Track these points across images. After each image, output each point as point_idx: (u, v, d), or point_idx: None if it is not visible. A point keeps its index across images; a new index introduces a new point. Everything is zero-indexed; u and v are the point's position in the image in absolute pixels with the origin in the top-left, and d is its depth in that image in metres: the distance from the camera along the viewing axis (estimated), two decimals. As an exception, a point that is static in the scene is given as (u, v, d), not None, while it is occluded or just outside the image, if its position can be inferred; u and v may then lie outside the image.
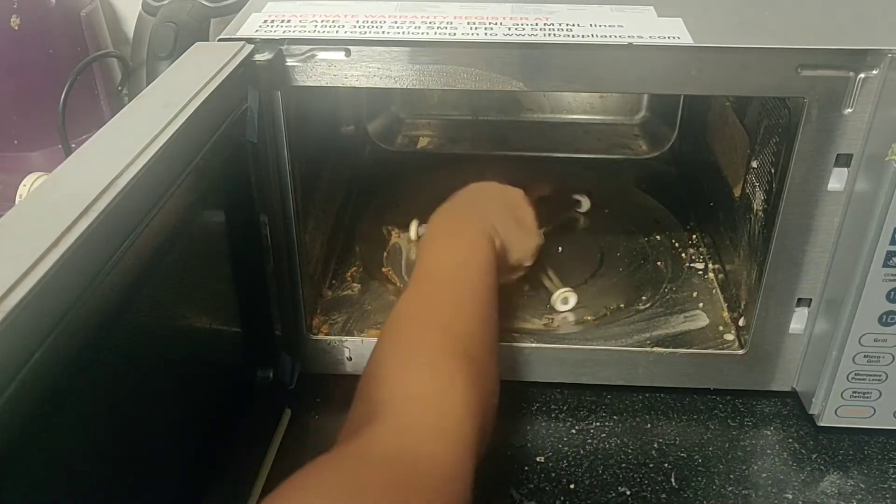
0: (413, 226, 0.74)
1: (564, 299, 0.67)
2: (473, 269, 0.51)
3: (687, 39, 0.50)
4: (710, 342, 0.63)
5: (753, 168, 0.62)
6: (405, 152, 0.93)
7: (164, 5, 0.81)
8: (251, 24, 0.53)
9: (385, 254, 0.74)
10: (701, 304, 0.67)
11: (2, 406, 0.26)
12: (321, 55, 0.51)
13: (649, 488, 0.56)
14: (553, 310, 0.67)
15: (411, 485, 0.35)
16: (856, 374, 0.56)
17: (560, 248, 0.74)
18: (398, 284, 0.70)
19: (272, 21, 0.54)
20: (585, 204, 0.81)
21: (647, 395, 0.63)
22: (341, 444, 0.37)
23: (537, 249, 0.63)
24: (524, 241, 0.61)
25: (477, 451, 0.39)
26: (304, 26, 0.53)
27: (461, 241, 0.54)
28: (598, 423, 0.61)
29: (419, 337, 0.44)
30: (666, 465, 0.57)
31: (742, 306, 0.63)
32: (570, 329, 0.65)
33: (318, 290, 0.68)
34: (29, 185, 0.72)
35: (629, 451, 0.59)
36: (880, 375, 0.56)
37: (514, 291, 0.69)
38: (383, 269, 0.71)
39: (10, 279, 0.28)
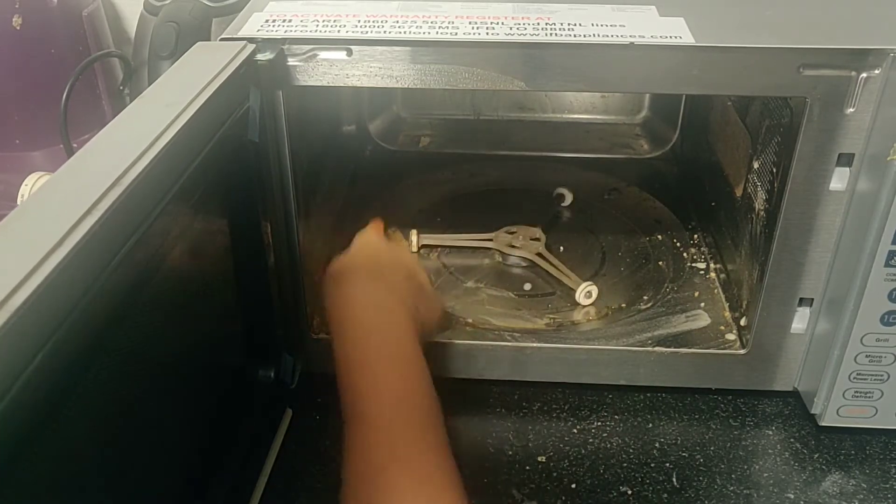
0: (413, 236, 0.74)
1: (588, 293, 0.67)
2: (416, 399, 0.47)
3: (688, 39, 0.50)
4: (711, 342, 0.63)
5: (755, 168, 0.62)
6: (406, 152, 0.93)
7: (165, 5, 0.81)
8: (253, 24, 0.53)
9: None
10: (702, 304, 0.67)
11: (6, 405, 0.27)
12: (323, 55, 0.51)
13: (651, 488, 0.56)
14: (575, 304, 0.68)
15: None
16: (857, 374, 0.56)
17: (562, 248, 0.74)
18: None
19: (274, 21, 0.54)
20: (569, 198, 0.82)
21: (648, 394, 0.63)
22: None
23: (441, 307, 0.60)
24: (432, 307, 0.58)
25: None
26: (306, 26, 0.53)
27: (398, 354, 0.49)
28: (599, 423, 0.61)
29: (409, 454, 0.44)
30: (667, 464, 0.57)
31: (744, 306, 0.63)
32: (571, 329, 0.65)
33: (319, 289, 0.68)
34: (31, 185, 0.72)
35: (630, 450, 0.59)
36: (882, 375, 0.56)
37: (514, 290, 0.69)
38: None
39: (14, 280, 0.28)
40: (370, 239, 0.59)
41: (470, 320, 0.65)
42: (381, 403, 0.47)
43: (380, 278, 0.54)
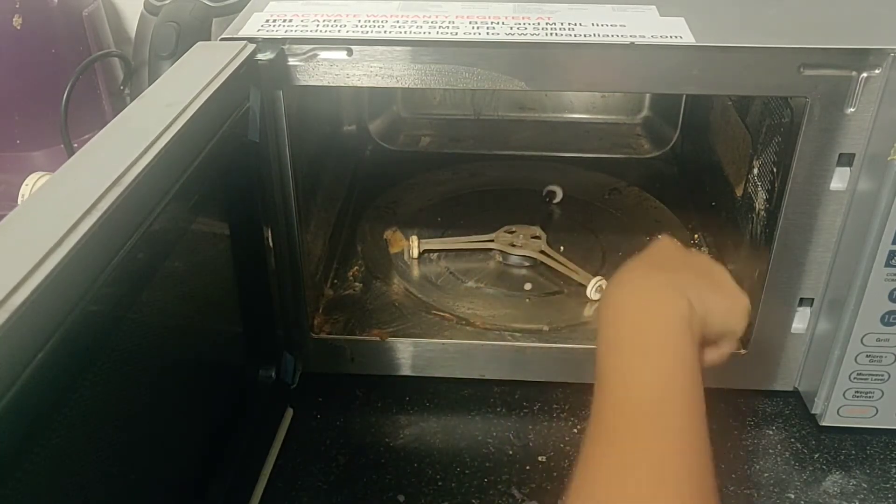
0: (414, 241, 0.74)
1: (599, 288, 0.68)
2: (679, 387, 0.41)
3: (689, 39, 0.50)
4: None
5: (755, 167, 0.62)
6: (407, 151, 0.93)
7: (166, 5, 0.81)
8: (253, 24, 0.53)
9: (391, 259, 0.74)
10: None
11: (6, 405, 0.27)
12: (323, 55, 0.51)
13: (651, 488, 0.55)
14: (583, 301, 0.68)
15: None
16: (858, 374, 0.56)
17: (562, 248, 0.74)
18: (404, 287, 0.70)
19: (274, 20, 0.54)
20: (559, 194, 0.82)
21: (648, 394, 0.63)
22: None
23: (746, 310, 0.50)
24: (729, 306, 0.49)
25: None
26: (306, 26, 0.53)
27: (658, 342, 0.43)
28: (599, 423, 0.61)
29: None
30: (668, 464, 0.57)
31: (744, 306, 0.63)
32: (571, 329, 0.65)
33: (319, 289, 0.68)
34: (31, 184, 0.72)
35: (631, 450, 0.58)
36: (882, 375, 0.56)
37: (514, 289, 0.69)
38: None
39: (14, 279, 0.28)
40: (662, 243, 0.53)
41: (470, 320, 0.65)
42: (628, 392, 0.41)
43: (659, 270, 0.49)
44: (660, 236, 0.54)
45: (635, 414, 0.40)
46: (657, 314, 0.45)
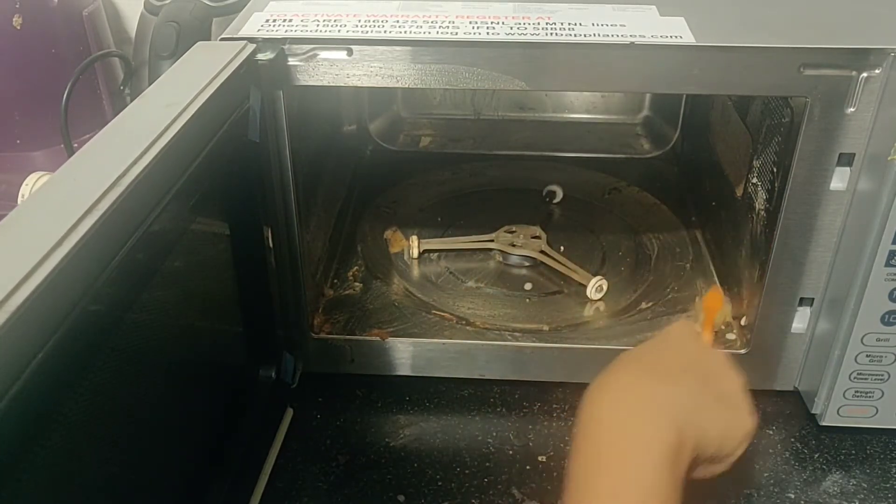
0: (414, 242, 0.74)
1: (599, 287, 0.68)
2: None
3: (689, 39, 0.50)
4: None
5: (756, 167, 0.62)
6: (407, 151, 0.93)
7: (166, 5, 0.81)
8: (253, 24, 0.53)
9: (391, 259, 0.74)
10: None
11: (6, 405, 0.27)
12: (323, 54, 0.51)
13: (651, 488, 0.55)
14: (583, 301, 0.68)
15: None
16: (858, 374, 0.56)
17: (562, 248, 0.74)
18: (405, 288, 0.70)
19: (274, 20, 0.54)
20: (559, 194, 0.82)
21: (649, 394, 0.63)
22: None
23: (748, 433, 0.45)
24: (731, 424, 0.44)
25: None
26: (306, 26, 0.53)
27: (634, 477, 0.39)
28: (600, 423, 0.61)
29: None
30: (668, 464, 0.57)
31: (744, 306, 0.63)
32: (571, 329, 0.65)
33: (319, 289, 0.68)
34: (31, 184, 0.72)
35: (631, 450, 0.58)
36: (882, 375, 0.56)
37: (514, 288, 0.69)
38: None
39: (14, 279, 0.28)
40: (671, 334, 0.47)
41: (470, 320, 0.65)
42: None
43: (654, 376, 0.43)
44: (675, 322, 0.48)
45: None
46: (638, 441, 0.40)
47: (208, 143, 0.44)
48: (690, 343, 0.46)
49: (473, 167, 0.89)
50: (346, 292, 0.69)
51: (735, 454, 0.45)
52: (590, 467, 0.40)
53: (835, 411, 0.58)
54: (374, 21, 0.53)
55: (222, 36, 0.52)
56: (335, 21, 0.53)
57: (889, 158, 0.49)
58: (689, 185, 0.85)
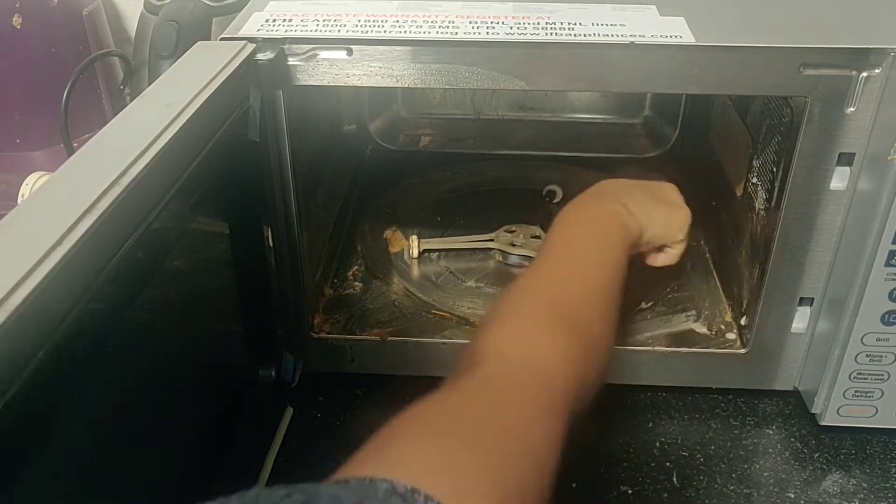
0: (414, 241, 0.74)
1: None
2: (595, 244, 0.50)
3: (689, 38, 0.50)
4: (712, 341, 0.63)
5: (755, 167, 0.62)
6: (407, 151, 0.93)
7: (165, 4, 0.81)
8: (253, 24, 0.53)
9: (391, 259, 0.74)
10: (703, 304, 0.67)
11: (6, 405, 0.27)
12: (323, 54, 0.51)
13: (651, 487, 0.56)
14: None
15: (497, 425, 0.35)
16: (858, 374, 0.56)
17: (562, 248, 0.74)
18: (406, 288, 0.70)
19: (274, 20, 0.54)
20: (559, 194, 0.82)
21: (648, 393, 0.63)
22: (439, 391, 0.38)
23: (687, 222, 0.60)
24: (670, 216, 0.58)
25: (572, 402, 0.40)
26: (306, 25, 0.53)
27: (586, 221, 0.53)
28: (599, 422, 0.61)
29: (524, 301, 0.45)
30: (668, 463, 0.57)
31: (744, 305, 0.63)
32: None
33: (319, 288, 0.68)
34: (31, 184, 0.72)
35: (631, 449, 0.59)
36: (882, 375, 0.56)
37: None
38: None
39: (13, 279, 0.28)
40: (610, 181, 0.59)
41: (470, 319, 0.65)
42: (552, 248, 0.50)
43: (604, 194, 0.56)
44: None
45: (552, 257, 0.49)
46: (593, 206, 0.54)
47: (208, 143, 0.44)
48: (630, 180, 0.59)
49: (473, 167, 0.89)
50: (346, 292, 0.69)
51: (679, 238, 0.59)
52: (554, 231, 0.52)
53: (835, 411, 0.58)
54: (374, 21, 0.53)
55: (222, 36, 0.52)
56: (335, 21, 0.53)
57: (889, 158, 0.49)
58: (688, 185, 0.85)
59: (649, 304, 0.67)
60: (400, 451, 0.32)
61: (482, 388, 0.38)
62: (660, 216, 0.57)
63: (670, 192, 0.60)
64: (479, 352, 0.41)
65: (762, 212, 0.60)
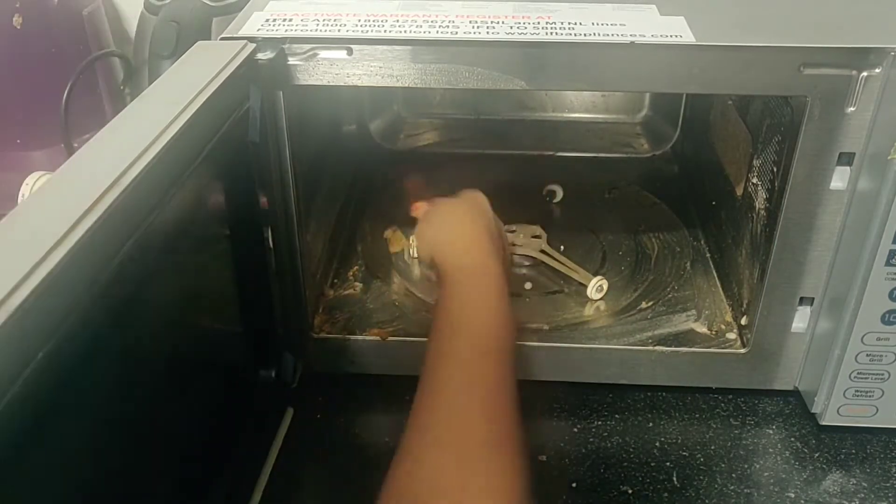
0: (414, 242, 0.73)
1: (600, 287, 0.68)
2: (508, 335, 0.50)
3: (689, 38, 0.50)
4: (712, 341, 0.63)
5: (756, 166, 0.62)
6: (407, 151, 0.93)
7: (166, 4, 0.81)
8: (253, 23, 0.53)
9: (391, 259, 0.73)
10: (703, 303, 0.67)
11: (6, 404, 0.27)
12: (323, 54, 0.51)
13: (651, 487, 0.56)
14: (583, 301, 0.68)
15: None
16: (858, 373, 0.56)
17: (563, 247, 0.74)
18: (406, 288, 0.70)
19: (274, 20, 0.54)
20: (559, 194, 0.82)
21: (648, 393, 0.63)
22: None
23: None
24: (506, 250, 0.60)
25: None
26: (306, 25, 0.53)
27: (490, 291, 0.52)
28: (599, 422, 0.61)
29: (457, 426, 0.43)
30: (668, 463, 0.57)
31: (744, 305, 0.63)
32: (571, 328, 0.65)
33: (320, 289, 0.68)
34: (31, 184, 0.72)
35: (631, 449, 0.59)
36: (883, 374, 0.56)
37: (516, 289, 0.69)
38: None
39: (14, 278, 0.28)
40: (467, 195, 0.62)
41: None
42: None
43: (456, 206, 0.60)
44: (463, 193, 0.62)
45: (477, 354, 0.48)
46: (472, 227, 0.56)
47: (208, 143, 0.44)
48: (476, 199, 0.61)
49: (473, 167, 0.89)
50: (346, 292, 0.69)
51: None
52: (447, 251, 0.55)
53: (835, 411, 0.58)
54: (374, 21, 0.53)
55: (222, 35, 0.52)
56: (335, 21, 0.53)
57: (889, 158, 0.49)
58: (688, 185, 0.85)
59: (649, 304, 0.67)
60: None
61: None
62: (506, 253, 0.59)
63: (497, 222, 0.61)
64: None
65: (762, 211, 0.60)
